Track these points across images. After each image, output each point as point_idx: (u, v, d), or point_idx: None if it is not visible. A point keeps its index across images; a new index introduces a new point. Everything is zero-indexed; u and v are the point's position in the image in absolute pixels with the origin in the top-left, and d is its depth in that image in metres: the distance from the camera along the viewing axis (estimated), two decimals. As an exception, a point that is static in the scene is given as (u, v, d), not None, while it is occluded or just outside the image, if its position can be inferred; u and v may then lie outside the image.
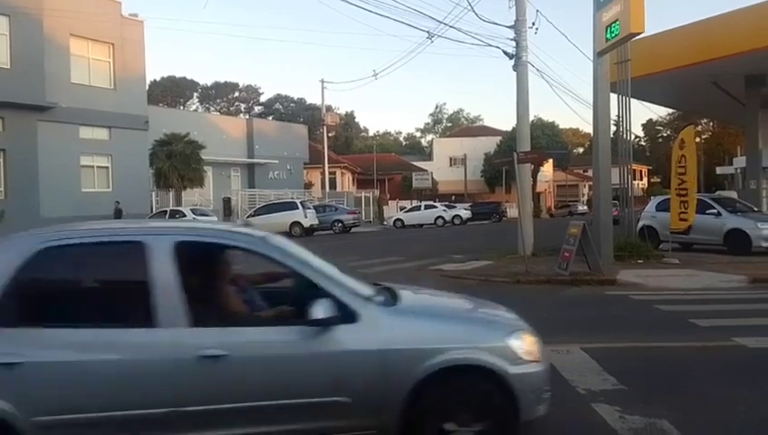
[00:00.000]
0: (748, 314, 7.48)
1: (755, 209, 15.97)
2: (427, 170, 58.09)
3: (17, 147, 23.50)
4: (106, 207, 25.50)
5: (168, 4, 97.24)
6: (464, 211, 40.46)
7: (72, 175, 25.29)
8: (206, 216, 25.01)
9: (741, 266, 11.79)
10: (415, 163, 63.90)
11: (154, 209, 28.80)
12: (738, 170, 36.30)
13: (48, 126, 24.41)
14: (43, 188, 24.04)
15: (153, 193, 30.67)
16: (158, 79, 71.39)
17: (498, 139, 56.89)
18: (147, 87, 30.92)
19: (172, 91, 74.48)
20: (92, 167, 26.63)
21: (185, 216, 24.03)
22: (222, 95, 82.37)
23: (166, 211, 25.08)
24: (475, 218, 40.94)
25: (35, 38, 23.60)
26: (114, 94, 26.81)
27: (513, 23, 15.45)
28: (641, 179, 73.93)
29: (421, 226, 36.58)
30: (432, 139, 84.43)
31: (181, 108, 67.67)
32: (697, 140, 69.64)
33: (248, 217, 28.79)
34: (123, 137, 26.92)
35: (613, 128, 15.14)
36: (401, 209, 42.74)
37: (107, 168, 26.98)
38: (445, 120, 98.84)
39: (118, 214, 24.03)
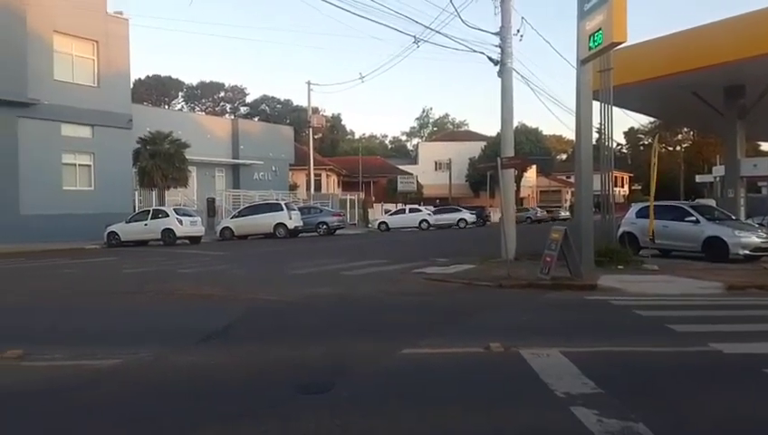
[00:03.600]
0: (724, 321, 7.59)
1: (733, 217, 16.14)
2: (412, 174, 58.23)
3: (-3, 143, 23.14)
4: (88, 206, 25.20)
5: (154, 3, 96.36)
6: (469, 215, 40.31)
7: (53, 173, 24.99)
8: (190, 216, 24.82)
9: (718, 273, 11.95)
10: (400, 166, 64.06)
11: (137, 209, 28.55)
12: (717, 179, 36.89)
13: (29, 123, 24.12)
14: (23, 185, 23.76)
15: (136, 192, 30.43)
16: (142, 78, 70.90)
17: (483, 144, 57.31)
18: (131, 85, 30.65)
19: (157, 90, 73.92)
20: (74, 165, 26.34)
21: (168, 216, 23.84)
22: (207, 95, 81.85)
23: (149, 211, 24.85)
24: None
25: (18, 34, 23.34)
26: (98, 92, 26.55)
27: (498, 29, 15.64)
28: (623, 186, 74.85)
29: (413, 228, 36.58)
30: (418, 142, 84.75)
31: (166, 107, 67.12)
32: (678, 148, 70.98)
33: (232, 217, 28.62)
34: (106, 135, 26.67)
35: (595, 135, 15.32)
36: (386, 212, 42.79)
37: (89, 166, 26.70)
38: (431, 125, 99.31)
39: None
